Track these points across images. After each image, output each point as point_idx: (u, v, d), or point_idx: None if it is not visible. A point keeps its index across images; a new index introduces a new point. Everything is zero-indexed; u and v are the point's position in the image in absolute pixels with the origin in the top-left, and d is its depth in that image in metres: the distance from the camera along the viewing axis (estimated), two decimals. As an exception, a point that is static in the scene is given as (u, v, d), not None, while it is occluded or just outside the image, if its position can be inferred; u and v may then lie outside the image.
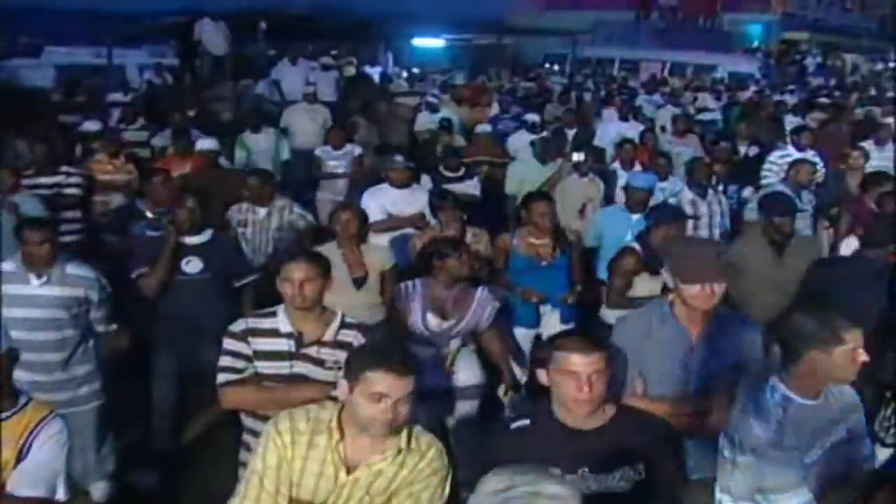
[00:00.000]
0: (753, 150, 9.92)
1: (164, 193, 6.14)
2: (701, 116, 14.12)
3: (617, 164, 8.56)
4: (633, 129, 10.75)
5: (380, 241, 6.35)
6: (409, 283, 4.73)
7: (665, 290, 3.71)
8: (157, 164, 8.33)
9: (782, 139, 10.22)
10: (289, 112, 11.37)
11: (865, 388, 3.38)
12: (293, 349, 3.58)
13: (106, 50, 15.42)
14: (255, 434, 3.33)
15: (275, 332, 3.61)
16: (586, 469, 2.77)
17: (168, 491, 4.97)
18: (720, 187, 8.28)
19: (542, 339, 5.54)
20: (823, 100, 15.83)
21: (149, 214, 6.13)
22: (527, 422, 2.89)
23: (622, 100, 13.54)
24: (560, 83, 19.91)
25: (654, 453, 2.84)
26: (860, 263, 4.95)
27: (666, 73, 24.51)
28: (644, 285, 5.12)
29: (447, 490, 2.85)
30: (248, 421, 3.71)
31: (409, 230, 6.53)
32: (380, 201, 6.68)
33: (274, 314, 3.66)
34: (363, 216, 5.50)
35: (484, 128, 10.75)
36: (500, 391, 4.99)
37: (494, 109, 13.45)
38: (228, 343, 3.61)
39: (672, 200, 7.13)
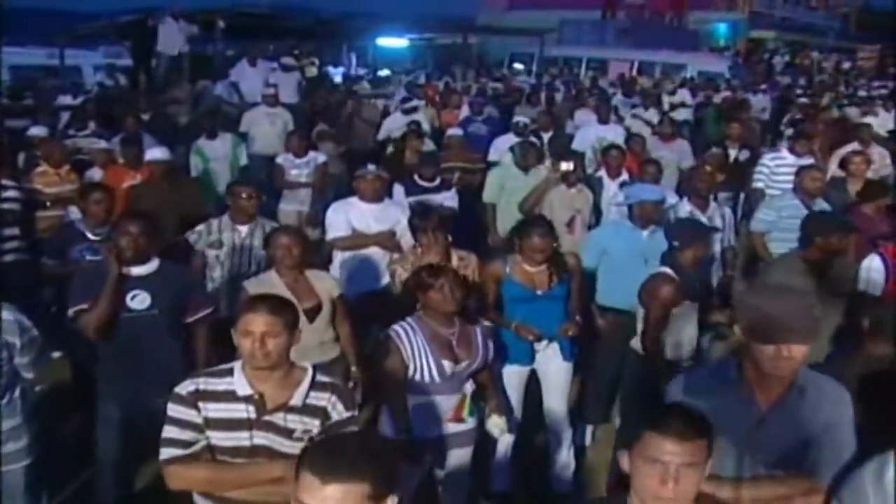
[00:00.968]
0: (744, 154, 9.47)
1: (102, 213, 5.49)
2: (675, 114, 13.63)
3: (602, 172, 7.92)
4: (613, 133, 10.27)
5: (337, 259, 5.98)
6: (403, 326, 4.07)
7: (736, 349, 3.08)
8: (106, 174, 7.63)
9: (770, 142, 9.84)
10: (248, 115, 11.04)
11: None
12: (253, 416, 2.95)
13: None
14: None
15: (231, 396, 2.96)
16: None
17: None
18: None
19: (536, 376, 4.94)
20: (803, 100, 15.50)
21: (90, 236, 5.46)
22: None
23: (599, 101, 12.99)
24: (527, 83, 19.39)
25: None
26: None
27: (634, 72, 24.20)
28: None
29: None
30: (200, 502, 3.07)
31: (375, 250, 5.98)
32: (345, 216, 6.07)
33: (230, 372, 3.00)
34: (304, 239, 4.91)
35: (455, 131, 10.11)
36: (489, 424, 4.40)
37: (464, 111, 12.82)
38: (173, 410, 2.95)
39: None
